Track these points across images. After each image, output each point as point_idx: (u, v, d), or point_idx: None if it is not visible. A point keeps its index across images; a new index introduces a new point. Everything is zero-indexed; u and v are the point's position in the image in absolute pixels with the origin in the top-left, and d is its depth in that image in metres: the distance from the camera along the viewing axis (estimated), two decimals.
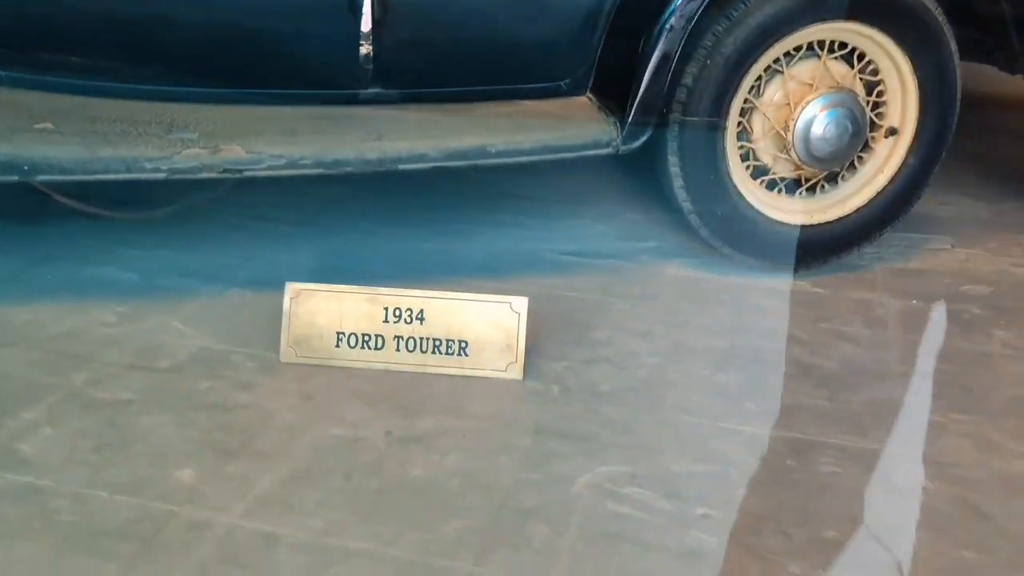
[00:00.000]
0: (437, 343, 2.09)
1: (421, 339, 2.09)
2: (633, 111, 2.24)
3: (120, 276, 2.50)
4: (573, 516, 1.64)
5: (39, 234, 2.66)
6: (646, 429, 1.91)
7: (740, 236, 2.48)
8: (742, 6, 2.23)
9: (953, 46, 2.38)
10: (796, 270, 2.56)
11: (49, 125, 2.08)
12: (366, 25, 2.23)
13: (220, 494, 1.67)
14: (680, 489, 1.72)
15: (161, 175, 2.09)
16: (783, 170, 2.48)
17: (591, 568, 1.53)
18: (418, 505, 1.66)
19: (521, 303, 2.08)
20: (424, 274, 2.53)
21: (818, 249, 2.54)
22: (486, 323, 2.09)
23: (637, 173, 3.20)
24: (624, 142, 2.27)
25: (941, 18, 2.35)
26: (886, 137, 2.49)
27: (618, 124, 2.27)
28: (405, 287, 2.12)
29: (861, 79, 2.43)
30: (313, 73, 2.31)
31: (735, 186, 2.42)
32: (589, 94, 2.43)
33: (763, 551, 1.57)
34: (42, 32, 2.16)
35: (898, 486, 1.73)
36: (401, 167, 2.16)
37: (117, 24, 2.21)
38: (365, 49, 2.27)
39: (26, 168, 2.01)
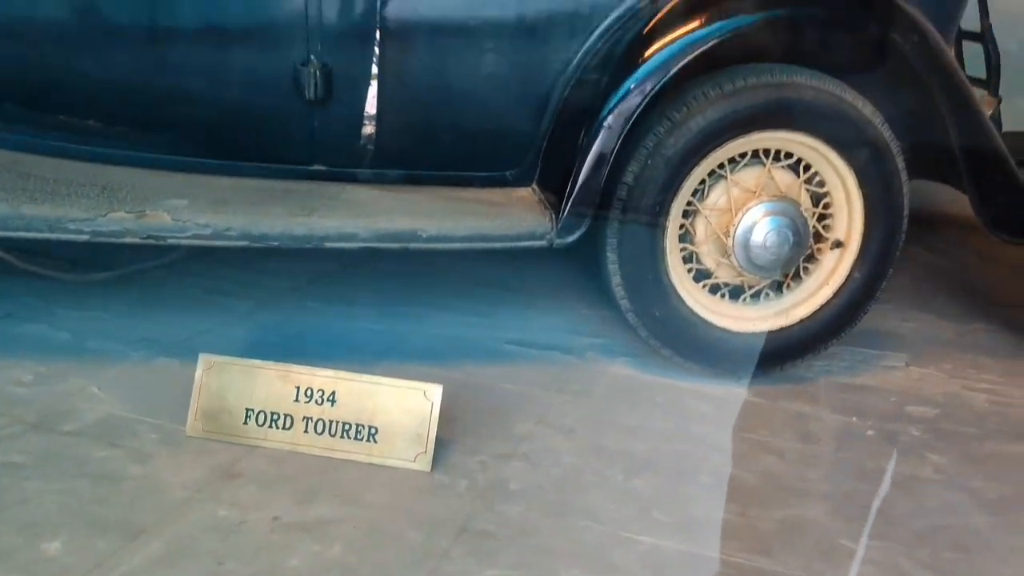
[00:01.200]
0: (347, 427, 2.04)
1: (331, 422, 2.04)
2: (568, 206, 2.22)
3: (50, 335, 2.48)
4: None
5: None
6: (545, 533, 1.83)
7: (679, 339, 2.43)
8: (684, 109, 2.22)
9: (900, 163, 2.35)
10: (737, 378, 2.50)
11: None
12: (309, 101, 2.24)
13: (82, 570, 1.60)
14: None
15: (84, 237, 2.07)
16: (726, 275, 2.44)
17: None
18: None
19: (435, 391, 2.03)
20: (357, 356, 2.48)
21: (759, 358, 2.48)
22: (399, 409, 2.03)
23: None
24: (559, 236, 2.24)
25: (888, 134, 2.32)
26: (832, 249, 2.45)
27: (555, 218, 2.25)
28: (334, 367, 2.07)
29: (807, 190, 2.40)
30: (255, 145, 2.31)
31: (674, 287, 2.37)
32: (534, 186, 2.42)
33: None
34: None
35: None
36: (328, 245, 2.13)
37: (61, 84, 2.23)
38: (308, 125, 2.27)
39: None
